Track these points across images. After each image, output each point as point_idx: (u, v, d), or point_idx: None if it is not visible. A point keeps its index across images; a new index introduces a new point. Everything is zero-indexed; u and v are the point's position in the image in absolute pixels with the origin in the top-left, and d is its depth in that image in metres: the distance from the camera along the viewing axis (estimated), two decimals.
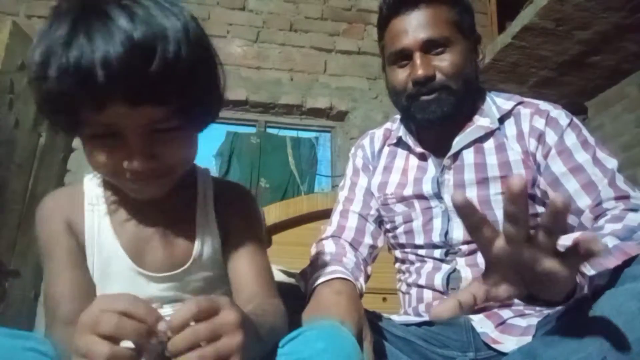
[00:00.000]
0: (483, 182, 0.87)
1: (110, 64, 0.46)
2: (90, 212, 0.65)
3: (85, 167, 0.60)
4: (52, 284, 0.62)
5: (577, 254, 0.46)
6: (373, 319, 0.83)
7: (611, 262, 0.60)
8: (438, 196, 0.90)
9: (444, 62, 0.87)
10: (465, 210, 0.49)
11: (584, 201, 0.80)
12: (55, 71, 0.47)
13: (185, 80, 0.51)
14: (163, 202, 0.63)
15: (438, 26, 0.87)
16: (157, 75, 0.48)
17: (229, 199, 0.71)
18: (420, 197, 0.92)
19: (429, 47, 0.87)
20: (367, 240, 0.97)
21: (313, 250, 0.94)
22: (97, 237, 0.64)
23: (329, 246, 0.92)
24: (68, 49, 0.47)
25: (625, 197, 0.78)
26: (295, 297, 0.77)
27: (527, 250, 0.49)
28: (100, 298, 0.44)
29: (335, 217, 1.01)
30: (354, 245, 0.95)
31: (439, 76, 0.87)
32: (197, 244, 0.66)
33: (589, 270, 0.56)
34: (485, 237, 0.51)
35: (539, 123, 0.87)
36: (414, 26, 0.87)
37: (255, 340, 0.48)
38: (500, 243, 0.50)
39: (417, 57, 0.87)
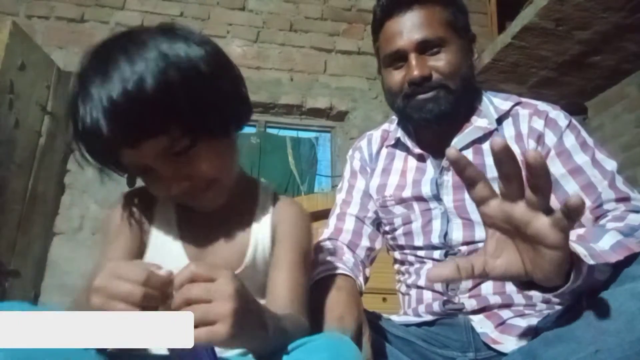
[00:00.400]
0: None
1: (98, 126, 0.53)
2: (159, 211, 0.70)
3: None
4: (96, 266, 0.64)
5: (564, 215, 0.48)
6: (373, 319, 0.83)
7: (612, 257, 0.59)
8: (437, 198, 0.90)
9: (440, 62, 0.87)
10: (460, 165, 0.52)
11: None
12: (75, 134, 0.57)
13: (175, 108, 0.54)
14: (225, 211, 0.68)
15: (432, 26, 0.86)
16: (142, 118, 0.53)
17: (285, 214, 0.73)
18: (419, 198, 0.92)
19: (424, 47, 0.87)
20: (364, 242, 0.97)
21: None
22: (163, 234, 0.69)
23: (328, 247, 0.92)
24: (73, 118, 0.56)
25: (625, 199, 0.78)
26: None
27: (519, 207, 0.52)
28: (111, 266, 0.45)
29: (332, 220, 1.01)
30: (351, 247, 0.95)
31: (435, 76, 0.87)
32: (250, 252, 0.69)
33: (589, 260, 0.56)
34: (480, 193, 0.54)
35: (538, 124, 0.87)
36: (408, 27, 0.87)
37: (257, 323, 0.48)
38: (495, 202, 0.53)
39: (413, 58, 0.87)
